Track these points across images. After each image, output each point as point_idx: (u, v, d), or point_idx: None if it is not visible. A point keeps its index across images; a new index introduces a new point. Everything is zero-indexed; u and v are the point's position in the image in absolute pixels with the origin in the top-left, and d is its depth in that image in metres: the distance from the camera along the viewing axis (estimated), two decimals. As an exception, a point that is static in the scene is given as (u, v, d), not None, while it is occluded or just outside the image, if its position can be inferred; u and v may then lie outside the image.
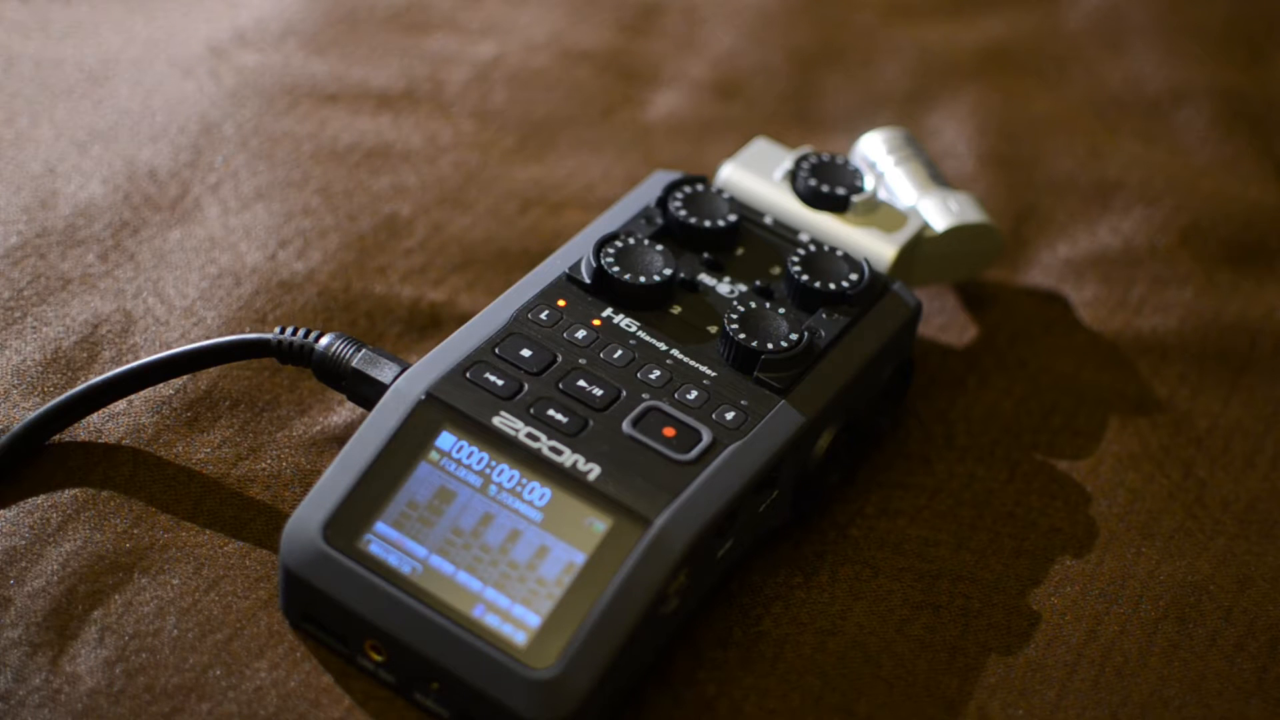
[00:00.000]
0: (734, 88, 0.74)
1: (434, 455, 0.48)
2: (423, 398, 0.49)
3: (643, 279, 0.52)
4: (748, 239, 0.56)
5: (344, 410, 0.55)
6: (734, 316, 0.51)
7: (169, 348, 0.56)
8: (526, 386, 0.49)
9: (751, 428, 0.49)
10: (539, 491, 0.47)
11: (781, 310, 0.52)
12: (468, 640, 0.45)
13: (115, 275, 0.59)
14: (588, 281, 0.53)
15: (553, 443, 0.48)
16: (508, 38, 0.74)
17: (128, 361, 0.55)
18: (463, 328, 0.51)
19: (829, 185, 0.57)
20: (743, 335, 0.51)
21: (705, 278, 0.54)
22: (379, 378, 0.51)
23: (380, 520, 0.47)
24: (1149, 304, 0.64)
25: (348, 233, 0.62)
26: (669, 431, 0.49)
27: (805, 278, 0.53)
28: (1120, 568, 0.54)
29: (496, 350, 0.50)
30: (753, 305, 0.52)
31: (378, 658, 0.47)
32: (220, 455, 0.53)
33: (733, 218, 0.56)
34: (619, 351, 0.51)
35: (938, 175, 0.62)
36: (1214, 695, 0.50)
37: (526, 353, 0.50)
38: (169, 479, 0.52)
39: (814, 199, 0.57)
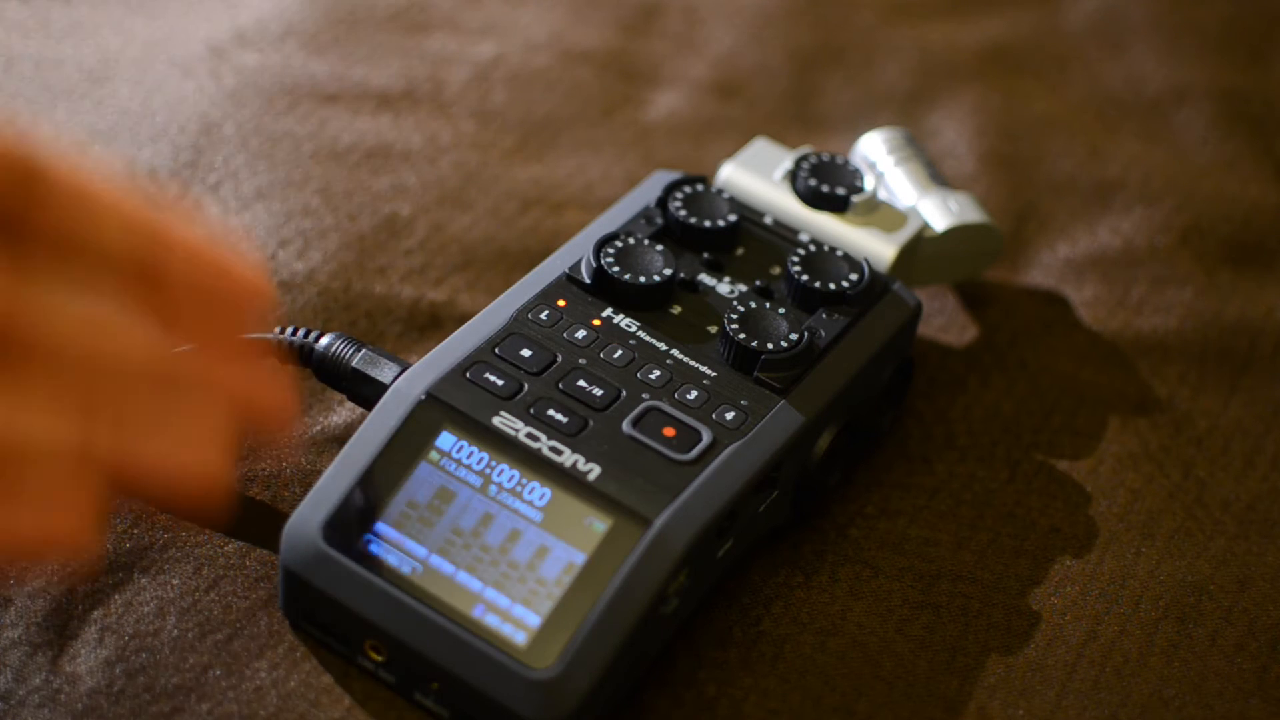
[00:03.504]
0: (734, 88, 0.74)
1: (434, 455, 0.48)
2: (423, 398, 0.49)
3: (643, 279, 0.52)
4: (748, 239, 0.56)
5: (344, 410, 0.55)
6: (734, 316, 0.52)
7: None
8: (526, 386, 0.49)
9: (751, 428, 0.49)
10: (539, 491, 0.47)
11: (781, 310, 0.52)
12: (468, 640, 0.45)
13: (115, 275, 0.59)
14: (588, 281, 0.53)
15: (553, 443, 0.48)
16: (508, 38, 0.74)
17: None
18: (463, 328, 0.51)
19: (829, 185, 0.57)
20: (743, 335, 0.51)
21: (705, 278, 0.54)
22: (379, 378, 0.51)
23: (380, 520, 0.47)
24: (1149, 304, 0.64)
25: (348, 233, 0.62)
26: (669, 431, 0.49)
27: (805, 278, 0.53)
28: (1120, 568, 0.54)
29: (496, 350, 0.50)
30: (753, 305, 0.52)
31: (378, 658, 0.47)
32: (220, 455, 0.53)
33: (733, 218, 0.56)
34: (619, 351, 0.51)
35: (938, 175, 0.62)
36: (1214, 695, 0.50)
37: (526, 353, 0.50)
38: (169, 479, 0.52)
39: (814, 199, 0.57)
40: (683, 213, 0.55)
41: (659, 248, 0.53)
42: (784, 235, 0.56)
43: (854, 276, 0.54)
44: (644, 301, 0.52)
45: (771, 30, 0.78)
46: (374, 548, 0.46)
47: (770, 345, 0.51)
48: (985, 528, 0.55)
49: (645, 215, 0.56)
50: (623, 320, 0.52)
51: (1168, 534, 0.55)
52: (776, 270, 0.55)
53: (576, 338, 0.51)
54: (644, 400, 0.49)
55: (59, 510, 0.36)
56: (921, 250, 0.58)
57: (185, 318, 0.38)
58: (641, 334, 0.52)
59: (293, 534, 0.47)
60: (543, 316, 0.52)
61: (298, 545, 0.47)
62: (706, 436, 0.49)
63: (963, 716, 0.49)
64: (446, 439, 0.48)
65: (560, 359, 0.50)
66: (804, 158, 0.58)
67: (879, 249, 0.56)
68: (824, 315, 0.53)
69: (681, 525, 0.46)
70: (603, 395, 0.49)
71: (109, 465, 0.37)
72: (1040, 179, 0.70)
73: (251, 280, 0.39)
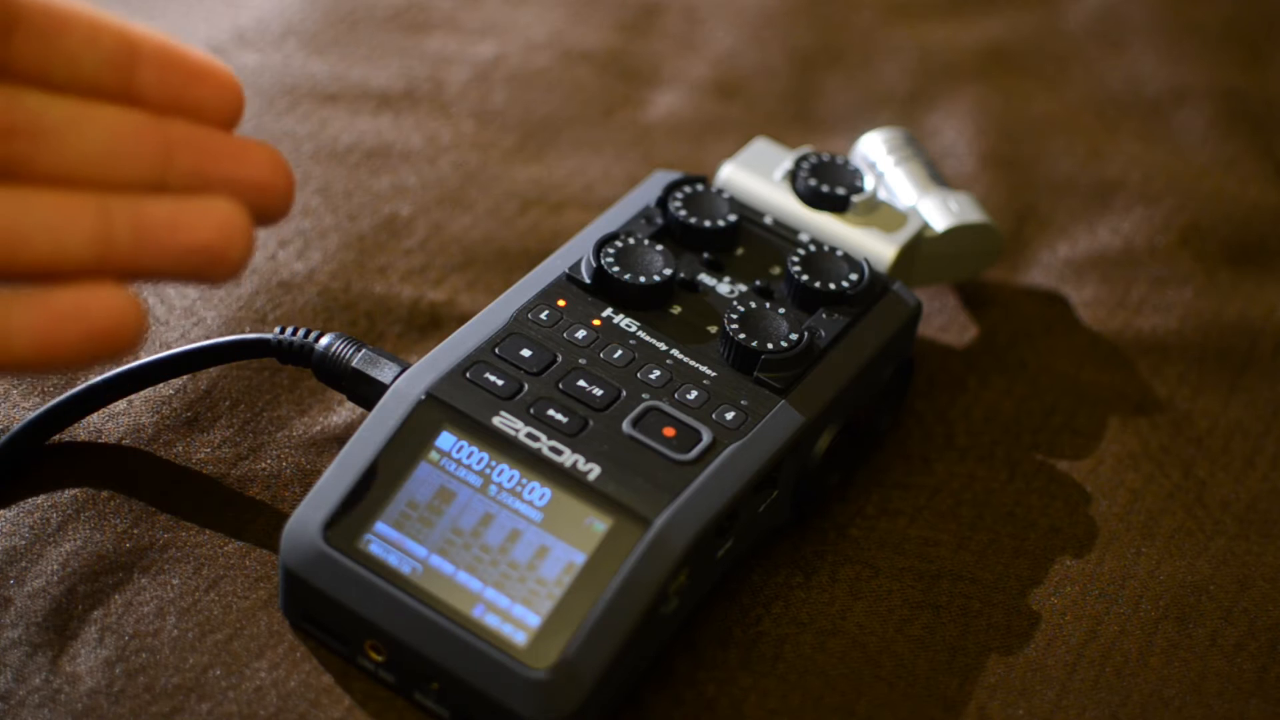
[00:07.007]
0: (734, 88, 0.74)
1: (434, 455, 0.48)
2: (423, 398, 0.49)
3: (643, 279, 0.52)
4: (748, 239, 0.56)
5: (344, 410, 0.55)
6: (734, 316, 0.52)
7: (169, 348, 0.56)
8: (526, 386, 0.49)
9: (751, 428, 0.49)
10: (539, 491, 0.47)
11: (781, 310, 0.52)
12: (468, 640, 0.45)
13: (115, 275, 0.59)
14: (588, 281, 0.53)
15: (553, 443, 0.48)
16: (508, 38, 0.74)
17: (128, 361, 0.55)
18: (463, 328, 0.51)
19: (829, 185, 0.57)
20: (743, 335, 0.51)
21: (705, 278, 0.54)
22: (379, 378, 0.51)
23: (380, 520, 0.47)
24: (1149, 304, 0.64)
25: (348, 233, 0.62)
26: (669, 431, 0.49)
27: (805, 278, 0.53)
28: (1120, 568, 0.54)
29: (496, 350, 0.50)
30: (753, 305, 0.52)
31: (378, 658, 0.47)
32: (220, 455, 0.53)
33: (733, 218, 0.56)
34: (619, 351, 0.51)
35: (938, 175, 0.62)
36: (1214, 695, 0.50)
37: (526, 353, 0.50)
38: (169, 479, 0.52)
39: (814, 199, 0.57)
40: (683, 213, 0.55)
41: (659, 248, 0.53)
42: (784, 235, 0.56)
43: (854, 276, 0.54)
44: (644, 301, 0.52)
45: (771, 30, 0.78)
46: (374, 548, 0.46)
47: (770, 345, 0.51)
48: (985, 528, 0.55)
49: (645, 215, 0.56)
50: (623, 320, 0.52)
51: (1168, 534, 0.55)
52: (776, 270, 0.55)
53: (576, 338, 0.51)
54: (644, 400, 0.49)
55: (93, 300, 0.37)
56: (921, 250, 0.58)
57: (163, 105, 0.40)
58: (641, 334, 0.52)
59: (293, 534, 0.47)
60: (543, 316, 0.52)
61: (298, 545, 0.47)
62: (706, 436, 0.49)
63: (963, 716, 0.49)
64: (446, 439, 0.48)
65: (560, 359, 0.50)
66: (804, 158, 0.58)
67: (879, 249, 0.56)
68: (824, 315, 0.53)
69: (681, 525, 0.46)
70: (603, 395, 0.49)
71: (130, 247, 0.38)
72: (1040, 179, 0.70)
73: (219, 72, 0.41)
